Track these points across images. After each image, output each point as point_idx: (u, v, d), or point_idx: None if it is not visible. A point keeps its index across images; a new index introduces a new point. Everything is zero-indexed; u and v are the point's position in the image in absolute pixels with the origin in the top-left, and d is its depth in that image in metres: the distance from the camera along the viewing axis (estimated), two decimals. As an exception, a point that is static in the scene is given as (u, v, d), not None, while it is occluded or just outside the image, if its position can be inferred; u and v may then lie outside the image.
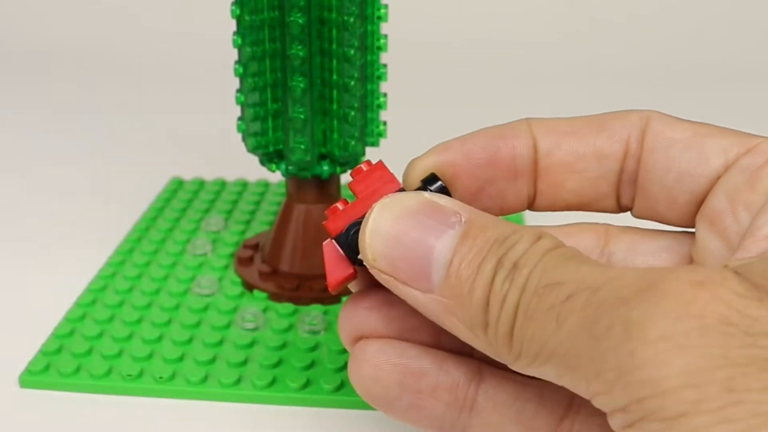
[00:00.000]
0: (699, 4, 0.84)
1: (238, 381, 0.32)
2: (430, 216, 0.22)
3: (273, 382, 0.32)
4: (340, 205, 0.23)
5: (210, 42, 0.62)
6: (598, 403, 0.18)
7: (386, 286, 0.22)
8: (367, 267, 0.22)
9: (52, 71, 0.77)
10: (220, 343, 0.34)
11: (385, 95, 0.36)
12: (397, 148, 0.40)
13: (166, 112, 0.66)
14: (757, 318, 0.17)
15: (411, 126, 0.50)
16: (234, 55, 0.35)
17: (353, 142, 0.35)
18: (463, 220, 0.21)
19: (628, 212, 0.26)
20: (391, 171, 0.24)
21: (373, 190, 0.23)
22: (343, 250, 0.23)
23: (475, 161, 0.25)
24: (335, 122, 0.35)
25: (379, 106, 0.37)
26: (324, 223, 0.23)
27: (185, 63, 0.78)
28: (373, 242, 0.22)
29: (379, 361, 0.24)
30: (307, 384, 0.32)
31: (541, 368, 0.20)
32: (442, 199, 0.22)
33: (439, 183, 0.24)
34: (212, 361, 0.33)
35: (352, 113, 0.34)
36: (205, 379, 0.32)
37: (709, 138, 0.24)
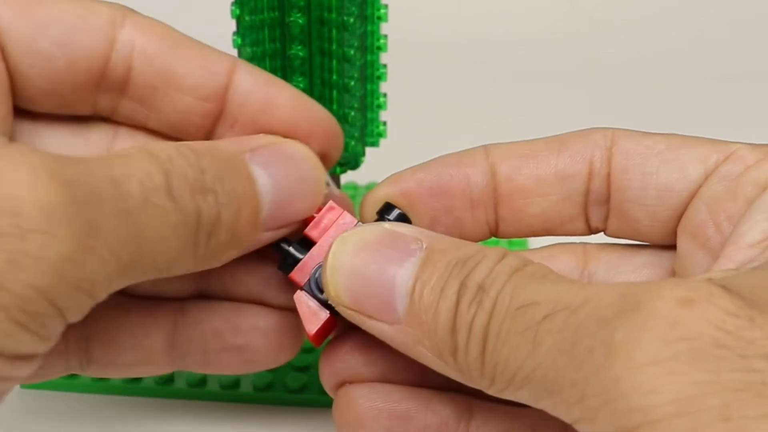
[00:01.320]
0: (699, 4, 0.84)
1: (237, 382, 0.32)
2: (390, 246, 0.21)
3: (272, 383, 0.32)
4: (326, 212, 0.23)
5: (210, 42, 0.62)
6: (581, 429, 0.17)
7: (354, 322, 0.22)
8: (332, 305, 0.22)
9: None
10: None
11: (384, 95, 0.36)
12: (397, 148, 0.40)
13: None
14: (750, 339, 0.16)
15: (411, 126, 0.50)
16: (234, 54, 0.35)
17: (353, 143, 0.35)
18: (424, 246, 0.21)
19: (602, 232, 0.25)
20: (344, 209, 0.24)
21: (330, 232, 0.23)
22: (313, 296, 0.23)
23: (427, 190, 0.24)
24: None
25: (379, 107, 0.37)
26: (289, 275, 0.23)
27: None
28: (334, 278, 0.21)
29: (365, 407, 0.23)
30: (305, 385, 0.32)
31: (518, 392, 0.19)
32: (401, 228, 0.22)
33: (397, 210, 0.24)
34: (212, 361, 0.33)
35: (352, 113, 0.34)
36: (204, 380, 0.32)
37: (684, 149, 0.23)
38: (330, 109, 0.35)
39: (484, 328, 0.19)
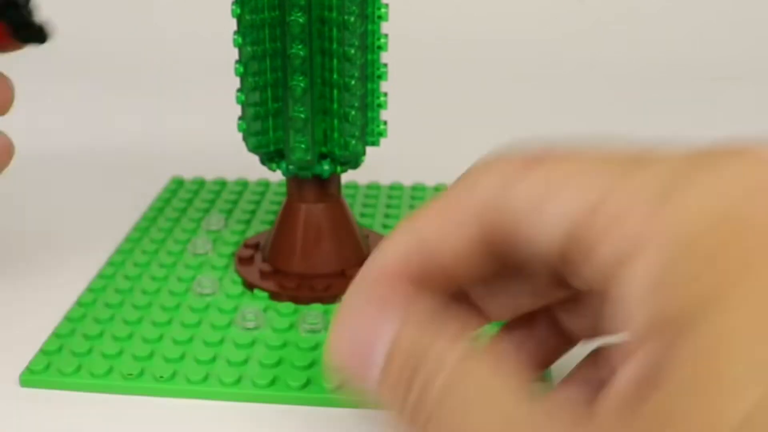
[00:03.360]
0: (700, 4, 0.83)
1: (238, 380, 0.32)
2: (374, 312, 0.22)
3: (273, 381, 0.32)
4: None
5: (210, 41, 0.62)
6: None
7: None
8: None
9: (54, 70, 0.77)
10: (221, 342, 0.34)
11: (385, 95, 0.36)
12: (397, 147, 0.40)
13: (166, 111, 0.66)
14: None
15: (411, 125, 0.50)
16: (234, 54, 0.35)
17: (354, 142, 0.35)
18: (402, 317, 0.21)
19: None
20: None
21: None
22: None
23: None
24: (336, 122, 0.35)
25: (380, 106, 0.37)
26: None
27: (186, 62, 0.78)
28: (331, 338, 0.22)
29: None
30: (307, 383, 0.32)
31: None
32: (387, 293, 0.22)
33: None
34: (212, 360, 0.33)
35: (353, 113, 0.34)
36: (205, 378, 0.32)
37: (554, 198, 0.19)
38: (330, 108, 0.35)
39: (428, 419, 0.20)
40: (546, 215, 0.19)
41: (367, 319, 0.22)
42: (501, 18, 0.83)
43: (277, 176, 0.51)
